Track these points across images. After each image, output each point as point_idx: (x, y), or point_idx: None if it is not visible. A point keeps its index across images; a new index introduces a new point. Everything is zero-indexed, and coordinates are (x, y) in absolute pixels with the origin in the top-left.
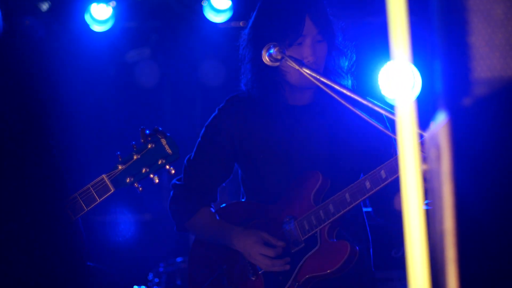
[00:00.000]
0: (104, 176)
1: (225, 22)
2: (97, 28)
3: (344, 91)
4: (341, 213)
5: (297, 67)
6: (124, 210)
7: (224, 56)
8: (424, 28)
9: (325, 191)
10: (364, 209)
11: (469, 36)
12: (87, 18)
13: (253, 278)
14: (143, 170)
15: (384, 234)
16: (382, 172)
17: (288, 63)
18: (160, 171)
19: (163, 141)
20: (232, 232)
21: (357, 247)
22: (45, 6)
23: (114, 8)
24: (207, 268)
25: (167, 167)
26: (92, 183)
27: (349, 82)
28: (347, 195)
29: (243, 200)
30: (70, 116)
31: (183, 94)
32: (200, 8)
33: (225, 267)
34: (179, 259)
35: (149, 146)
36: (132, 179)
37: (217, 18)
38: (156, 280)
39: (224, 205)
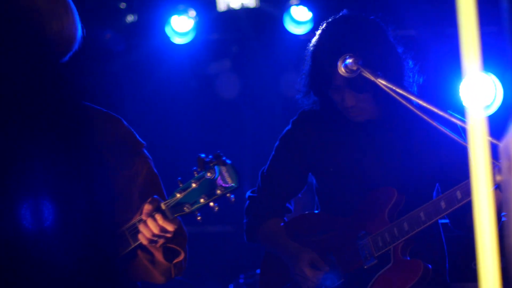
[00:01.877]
0: (162, 203)
1: (305, 33)
2: (178, 40)
3: (420, 102)
4: (415, 231)
5: (372, 78)
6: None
7: None
8: (496, 37)
9: (399, 208)
10: (441, 221)
11: None
12: (167, 30)
13: None
14: (201, 200)
15: (464, 246)
16: (458, 193)
17: (364, 74)
18: (219, 200)
19: (223, 169)
20: (287, 247)
21: (430, 266)
22: (130, 18)
23: (195, 20)
24: (278, 279)
25: (228, 195)
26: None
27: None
28: (421, 214)
29: (317, 211)
30: (151, 128)
31: (264, 106)
32: (281, 20)
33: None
34: (259, 271)
35: (208, 174)
36: (190, 208)
37: (297, 29)
38: None
39: (298, 215)
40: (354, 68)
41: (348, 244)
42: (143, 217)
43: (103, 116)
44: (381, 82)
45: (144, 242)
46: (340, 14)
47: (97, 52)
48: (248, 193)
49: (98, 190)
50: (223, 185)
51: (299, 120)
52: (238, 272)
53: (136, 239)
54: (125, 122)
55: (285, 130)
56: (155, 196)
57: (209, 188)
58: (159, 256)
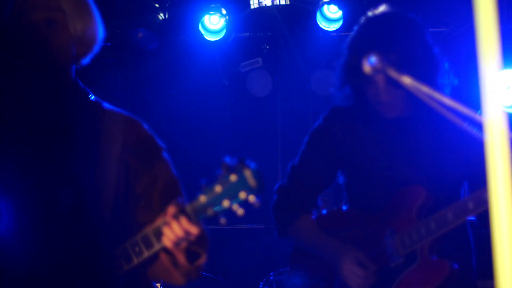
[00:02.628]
0: (187, 206)
1: (337, 30)
2: (210, 38)
3: (447, 101)
4: (442, 231)
5: (398, 78)
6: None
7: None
8: None
9: (428, 206)
10: (468, 218)
11: None
12: (200, 28)
13: None
14: (225, 203)
15: (490, 243)
16: (486, 194)
17: (389, 72)
18: (243, 204)
19: (247, 173)
20: (329, 245)
21: (456, 266)
22: (161, 16)
23: (226, 18)
24: (306, 275)
25: (252, 200)
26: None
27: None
28: (449, 214)
29: (345, 207)
30: (183, 126)
31: (295, 103)
32: (313, 16)
33: (325, 275)
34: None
35: (232, 178)
36: (214, 211)
37: (329, 26)
38: None
39: (325, 211)
40: (379, 66)
41: (375, 241)
42: (167, 219)
43: (123, 119)
44: (407, 80)
45: (169, 244)
46: (381, 9)
47: (130, 50)
48: (277, 187)
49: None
50: (247, 188)
51: (330, 115)
52: (269, 270)
53: (160, 242)
54: (145, 126)
55: (315, 125)
56: (180, 199)
57: (233, 192)
58: (181, 258)
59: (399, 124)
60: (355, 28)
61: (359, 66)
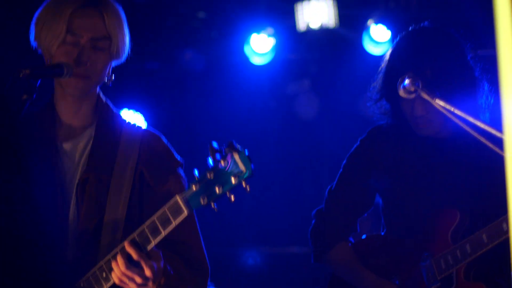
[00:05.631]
0: (177, 196)
1: (384, 54)
2: (257, 60)
3: (479, 124)
4: (477, 254)
5: (430, 100)
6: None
7: None
8: None
9: (463, 229)
10: None
11: None
12: (246, 50)
13: None
14: (217, 190)
15: None
16: None
17: (422, 95)
18: (235, 189)
19: (236, 157)
20: (366, 279)
21: None
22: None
23: (275, 39)
24: None
25: (243, 184)
26: (167, 205)
27: (486, 116)
28: (484, 236)
29: (383, 232)
30: None
31: (342, 126)
32: (360, 40)
33: None
34: None
35: (222, 163)
36: (206, 199)
37: (376, 50)
38: None
39: (364, 236)
40: (412, 89)
41: (412, 266)
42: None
43: (141, 132)
44: (439, 103)
45: (116, 281)
46: (421, 25)
47: (177, 70)
48: (315, 211)
49: None
50: (238, 173)
51: (367, 138)
52: None
53: (165, 227)
54: (164, 140)
55: (353, 148)
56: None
57: (224, 178)
58: None
59: (436, 144)
60: (393, 43)
61: (394, 80)
